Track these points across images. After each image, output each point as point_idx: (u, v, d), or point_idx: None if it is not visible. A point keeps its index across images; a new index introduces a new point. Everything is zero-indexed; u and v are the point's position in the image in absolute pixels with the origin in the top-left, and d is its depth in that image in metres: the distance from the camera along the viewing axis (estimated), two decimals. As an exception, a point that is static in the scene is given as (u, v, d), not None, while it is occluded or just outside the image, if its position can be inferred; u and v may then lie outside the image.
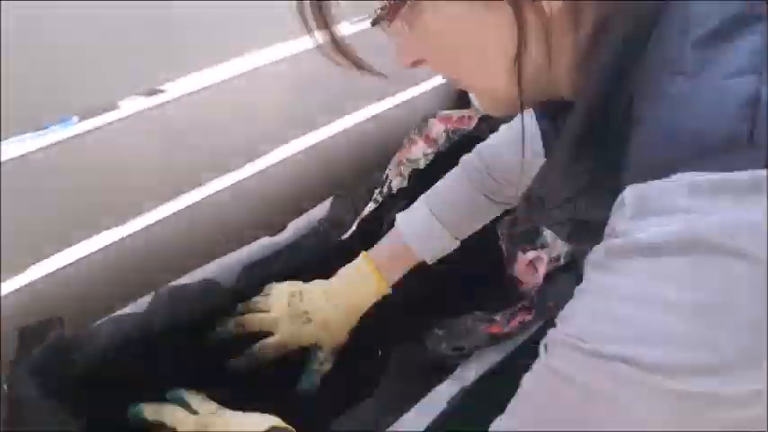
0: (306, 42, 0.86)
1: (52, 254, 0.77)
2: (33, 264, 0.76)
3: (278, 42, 0.82)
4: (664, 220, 0.30)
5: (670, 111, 0.32)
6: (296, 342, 0.74)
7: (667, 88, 0.33)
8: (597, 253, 0.34)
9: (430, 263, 0.76)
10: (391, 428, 0.68)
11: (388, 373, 0.72)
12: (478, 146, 0.78)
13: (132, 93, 0.71)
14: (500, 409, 0.74)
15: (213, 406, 0.64)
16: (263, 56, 0.84)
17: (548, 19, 0.37)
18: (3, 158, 0.65)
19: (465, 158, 0.78)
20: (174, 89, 0.78)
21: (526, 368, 0.44)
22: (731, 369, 0.28)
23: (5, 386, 0.65)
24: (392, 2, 0.43)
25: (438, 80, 1.17)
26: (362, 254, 0.75)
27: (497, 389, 0.79)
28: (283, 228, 0.90)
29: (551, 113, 0.50)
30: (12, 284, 0.75)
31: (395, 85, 1.10)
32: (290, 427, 0.61)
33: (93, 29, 0.62)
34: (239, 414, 0.62)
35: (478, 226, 0.79)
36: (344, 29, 0.92)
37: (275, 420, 0.61)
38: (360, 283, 0.74)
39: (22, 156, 0.67)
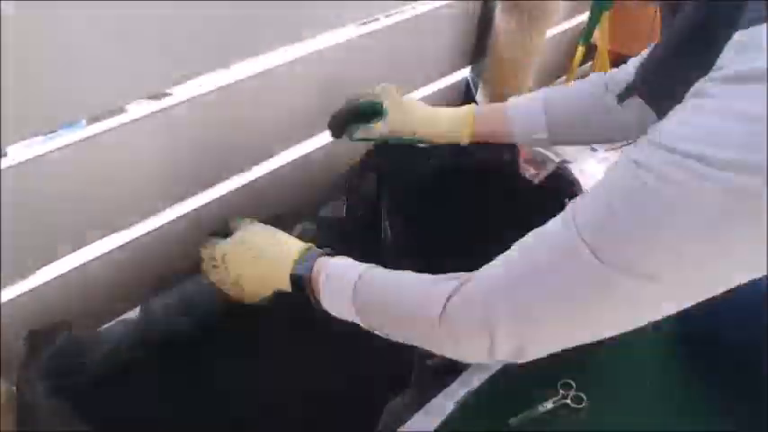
0: (311, 46, 0.86)
1: (62, 256, 0.77)
2: (43, 266, 0.76)
3: (284, 46, 0.82)
4: (756, 55, 0.37)
5: None
6: (371, 97, 0.83)
7: None
8: (698, 83, 0.41)
9: (515, 139, 0.80)
10: (401, 429, 0.68)
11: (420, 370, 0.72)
12: (615, 70, 0.78)
13: (140, 96, 0.71)
14: (506, 410, 0.75)
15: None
16: (269, 59, 0.85)
17: None
18: (12, 161, 0.66)
19: (595, 74, 0.80)
20: (181, 92, 0.78)
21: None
22: None
23: (14, 388, 0.65)
24: None
25: (445, 81, 1.18)
26: (470, 105, 0.82)
27: (504, 391, 0.79)
28: (291, 229, 0.90)
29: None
30: (20, 287, 0.75)
31: (403, 87, 1.10)
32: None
33: (101, 33, 0.62)
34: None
35: (575, 139, 0.82)
36: (350, 32, 0.93)
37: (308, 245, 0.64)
38: (452, 111, 0.81)
39: (32, 158, 0.67)
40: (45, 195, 0.70)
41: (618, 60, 1.45)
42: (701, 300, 0.43)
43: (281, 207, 1.01)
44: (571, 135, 0.81)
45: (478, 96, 1.17)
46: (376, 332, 0.58)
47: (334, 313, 0.60)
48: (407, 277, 0.56)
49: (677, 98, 0.43)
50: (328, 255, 0.63)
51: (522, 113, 0.79)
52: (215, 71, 0.76)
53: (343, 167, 1.09)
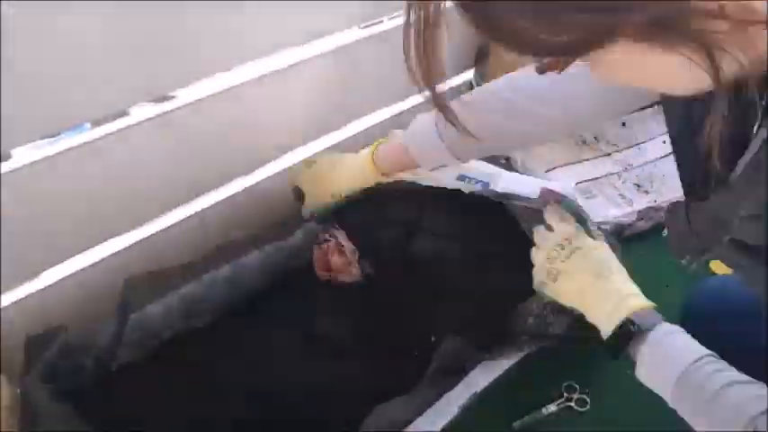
0: (315, 48, 0.87)
1: (66, 258, 0.77)
2: (46, 268, 0.76)
3: (287, 48, 0.82)
4: None
5: None
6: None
7: None
8: None
9: (421, 166, 0.76)
10: (405, 430, 0.68)
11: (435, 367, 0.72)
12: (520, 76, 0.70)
13: (143, 99, 0.71)
14: (510, 412, 0.74)
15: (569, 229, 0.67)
16: (272, 62, 0.85)
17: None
18: (16, 164, 0.66)
19: (507, 78, 0.71)
20: (185, 95, 0.78)
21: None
22: None
23: (18, 391, 0.65)
24: (565, 57, 0.39)
25: (449, 84, 1.17)
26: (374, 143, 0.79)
27: (508, 393, 0.79)
28: (293, 232, 0.90)
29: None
30: (24, 290, 0.76)
31: (404, 90, 1.10)
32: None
33: (104, 37, 0.62)
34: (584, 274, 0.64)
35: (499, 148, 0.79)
36: (354, 34, 0.93)
37: (630, 298, 0.61)
38: (355, 162, 0.80)
39: (36, 162, 0.67)
40: (49, 198, 0.70)
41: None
42: None
43: (284, 210, 1.01)
44: (488, 149, 0.76)
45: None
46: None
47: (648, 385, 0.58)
48: (725, 402, 0.51)
49: None
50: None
51: (420, 146, 0.74)
52: (217, 74, 0.76)
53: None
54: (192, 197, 0.87)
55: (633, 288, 0.62)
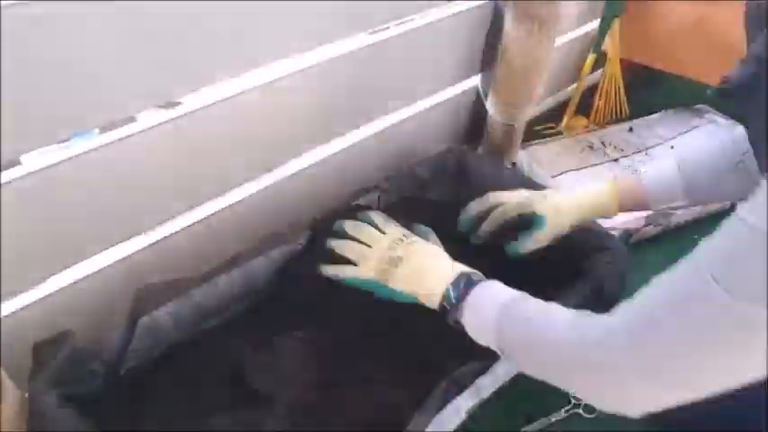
0: (320, 55, 0.87)
1: (74, 264, 0.77)
2: (54, 274, 0.76)
3: (293, 55, 0.82)
4: None
5: None
6: (524, 208, 0.84)
7: None
8: None
9: (652, 209, 0.83)
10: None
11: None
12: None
13: (151, 105, 0.71)
14: (519, 419, 0.75)
15: (400, 230, 0.75)
16: (279, 68, 0.85)
17: None
18: (25, 171, 0.66)
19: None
20: (192, 102, 0.78)
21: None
22: None
23: (25, 396, 0.66)
24: None
25: (455, 90, 1.18)
26: (610, 180, 0.84)
27: (517, 399, 0.78)
28: (299, 237, 0.90)
29: None
30: (31, 296, 0.76)
31: (408, 95, 1.10)
32: (478, 272, 0.68)
33: (112, 43, 0.63)
34: (427, 245, 0.72)
35: (716, 197, 0.82)
36: (360, 40, 0.93)
37: (463, 267, 0.68)
38: (596, 194, 0.83)
39: (45, 168, 0.68)
40: (57, 203, 0.71)
41: (629, 68, 1.45)
42: None
43: (291, 216, 1.02)
44: (710, 196, 0.80)
45: (488, 104, 1.17)
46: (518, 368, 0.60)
47: (478, 341, 0.64)
48: (553, 316, 0.58)
49: None
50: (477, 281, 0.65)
51: (658, 185, 0.80)
52: (225, 80, 0.76)
53: (352, 176, 1.09)
54: (199, 203, 0.88)
55: (460, 266, 0.69)
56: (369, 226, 0.77)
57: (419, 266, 0.70)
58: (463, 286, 0.65)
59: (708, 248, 0.46)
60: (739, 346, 0.43)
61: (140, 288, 0.75)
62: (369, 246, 0.74)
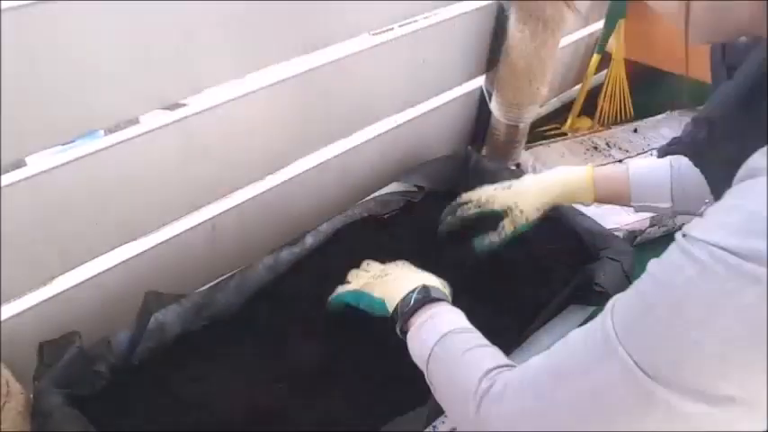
0: (325, 57, 0.87)
1: (79, 264, 0.78)
2: (59, 275, 0.77)
3: (298, 55, 0.82)
4: None
5: None
6: (492, 203, 0.84)
7: None
8: (755, 156, 0.36)
9: (631, 206, 0.78)
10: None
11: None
12: None
13: (156, 107, 0.72)
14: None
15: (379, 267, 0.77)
16: (283, 70, 0.85)
17: None
18: (31, 172, 0.67)
19: None
20: (196, 103, 0.79)
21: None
22: None
23: (31, 396, 0.66)
24: None
25: (460, 90, 1.18)
26: (589, 165, 0.82)
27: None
28: (302, 238, 0.91)
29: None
30: (36, 296, 0.76)
31: (412, 96, 1.10)
32: (441, 283, 0.69)
33: (117, 45, 0.63)
34: (403, 270, 0.73)
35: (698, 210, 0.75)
36: (364, 41, 0.93)
37: (430, 279, 0.69)
38: (568, 176, 0.81)
39: (50, 169, 0.68)
40: (63, 204, 0.71)
41: (633, 69, 1.44)
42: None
43: (295, 218, 1.02)
44: (695, 207, 0.74)
45: (492, 105, 1.17)
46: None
47: (414, 360, 0.62)
48: (466, 361, 0.54)
49: (731, 171, 0.37)
50: (436, 300, 0.64)
51: (645, 180, 0.76)
52: (229, 82, 0.76)
53: (356, 178, 1.09)
54: (204, 203, 0.88)
55: (429, 279, 0.69)
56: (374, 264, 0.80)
57: (395, 277, 0.71)
58: (420, 296, 0.64)
59: (618, 302, 0.41)
60: (630, 417, 0.38)
61: (150, 292, 0.76)
62: (367, 271, 0.78)
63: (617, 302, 0.42)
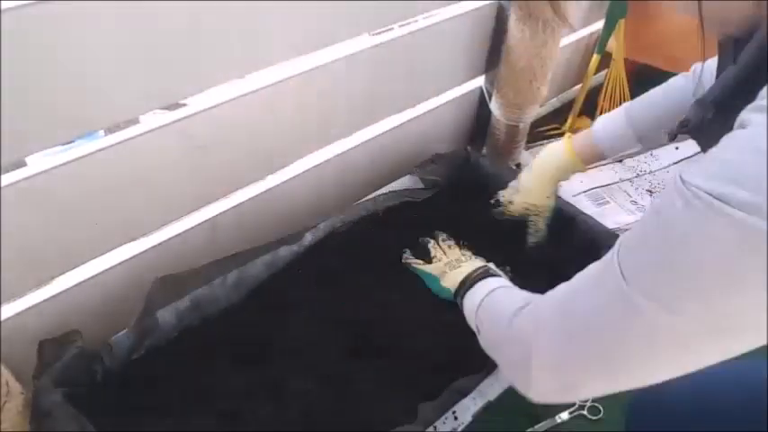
0: (325, 57, 0.87)
1: (79, 264, 0.78)
2: (60, 274, 0.77)
3: (298, 56, 0.82)
4: None
5: None
6: (513, 211, 0.95)
7: None
8: (742, 113, 0.40)
9: (607, 156, 0.88)
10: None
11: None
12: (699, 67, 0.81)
13: (156, 107, 0.72)
14: (523, 421, 0.75)
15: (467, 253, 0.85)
16: (284, 70, 0.85)
17: None
18: (31, 172, 0.67)
19: (680, 76, 0.84)
20: (196, 103, 0.79)
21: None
22: None
23: (30, 395, 0.66)
24: None
25: (460, 90, 1.18)
26: (567, 134, 0.92)
27: (521, 401, 0.78)
28: (301, 236, 0.91)
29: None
30: (37, 296, 0.76)
31: (412, 96, 1.10)
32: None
33: (117, 45, 0.63)
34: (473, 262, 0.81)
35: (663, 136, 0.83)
36: (364, 41, 0.93)
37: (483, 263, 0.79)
38: (553, 155, 0.90)
39: (50, 169, 0.68)
40: (63, 205, 0.71)
41: (633, 69, 1.44)
42: (726, 347, 0.43)
43: (296, 217, 1.02)
44: (660, 137, 0.84)
45: (492, 105, 1.17)
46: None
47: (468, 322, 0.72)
48: (504, 299, 0.66)
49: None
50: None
51: (609, 135, 0.86)
52: (229, 82, 0.76)
53: (356, 178, 1.09)
54: (204, 204, 0.88)
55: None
56: (454, 244, 0.89)
57: (465, 269, 0.79)
58: (479, 272, 0.75)
59: (624, 235, 0.48)
60: (623, 334, 0.45)
61: (156, 280, 0.76)
62: (447, 255, 0.87)
63: (625, 233, 0.48)
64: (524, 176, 0.94)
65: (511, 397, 0.75)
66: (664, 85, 0.85)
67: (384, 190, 1.04)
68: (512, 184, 0.97)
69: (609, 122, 0.86)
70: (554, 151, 0.91)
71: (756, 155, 0.37)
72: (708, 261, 0.39)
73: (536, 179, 0.92)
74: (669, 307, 0.42)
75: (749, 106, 0.40)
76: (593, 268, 0.51)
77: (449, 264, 0.84)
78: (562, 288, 0.54)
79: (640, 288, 0.43)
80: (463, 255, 0.85)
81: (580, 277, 0.52)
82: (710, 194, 0.38)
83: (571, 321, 0.50)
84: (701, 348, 0.43)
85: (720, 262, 0.39)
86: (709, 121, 0.52)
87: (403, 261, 0.89)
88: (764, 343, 0.41)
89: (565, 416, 0.85)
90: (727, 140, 0.40)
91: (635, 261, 0.45)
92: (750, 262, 0.37)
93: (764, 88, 0.40)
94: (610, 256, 0.47)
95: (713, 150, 0.41)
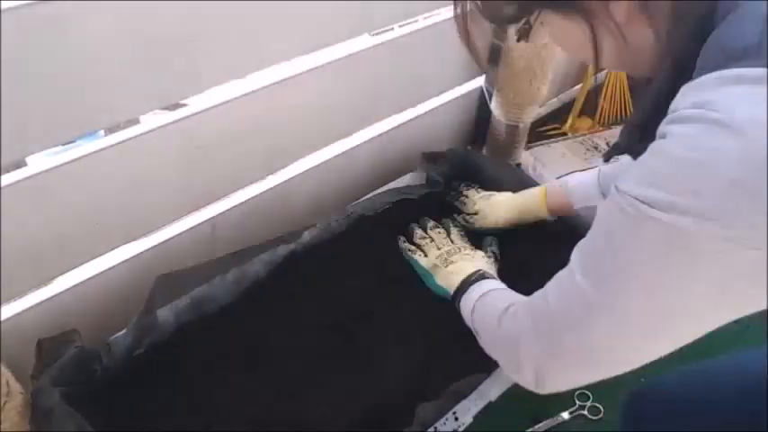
0: (325, 57, 0.87)
1: (79, 264, 0.78)
2: (60, 274, 0.77)
3: (298, 56, 0.82)
4: (698, 98, 0.41)
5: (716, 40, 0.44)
6: (469, 207, 1.00)
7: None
8: (660, 127, 0.44)
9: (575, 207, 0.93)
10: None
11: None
12: None
13: (156, 107, 0.72)
14: (523, 421, 0.76)
15: (464, 244, 0.88)
16: (284, 70, 0.85)
17: (619, 23, 0.49)
18: (31, 172, 0.67)
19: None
20: (196, 103, 0.79)
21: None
22: (705, 214, 0.39)
23: (29, 395, 0.66)
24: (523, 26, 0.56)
25: (460, 90, 1.18)
26: (542, 186, 0.97)
27: (521, 401, 0.78)
28: (300, 235, 0.90)
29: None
30: (37, 296, 0.76)
31: (412, 96, 1.10)
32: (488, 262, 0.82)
33: (118, 45, 0.63)
34: (475, 256, 0.85)
35: None
36: (364, 41, 0.93)
37: (481, 262, 0.82)
38: (527, 196, 0.96)
39: (50, 169, 0.68)
40: (63, 204, 0.71)
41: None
42: (669, 341, 0.48)
43: (296, 217, 1.02)
44: None
45: (492, 105, 1.17)
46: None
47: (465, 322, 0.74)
48: (495, 300, 0.69)
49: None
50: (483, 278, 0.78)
51: (580, 188, 0.91)
52: (229, 82, 0.76)
53: (356, 178, 1.09)
54: (204, 204, 0.88)
55: (480, 261, 0.83)
56: (444, 231, 0.92)
57: (458, 269, 0.81)
58: (473, 279, 0.77)
59: (581, 241, 0.52)
60: (585, 330, 0.50)
61: (159, 276, 0.76)
62: (437, 246, 0.89)
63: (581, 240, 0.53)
64: (503, 196, 0.98)
65: (511, 398, 0.75)
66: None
67: (384, 189, 1.04)
68: (480, 196, 1.00)
69: (582, 187, 0.91)
70: (531, 195, 0.95)
71: (670, 159, 0.41)
72: (644, 260, 0.44)
73: (508, 203, 0.97)
74: (614, 305, 0.47)
75: (665, 119, 0.44)
76: (559, 272, 0.55)
77: (439, 257, 0.86)
78: (538, 291, 0.58)
79: (593, 288, 0.48)
80: (453, 243, 0.88)
81: (550, 281, 0.56)
82: (637, 199, 0.43)
83: (540, 322, 0.55)
84: (653, 337, 0.48)
85: (654, 260, 0.43)
86: (636, 142, 0.56)
87: (400, 247, 0.92)
88: (708, 329, 0.46)
89: (565, 416, 0.85)
90: (650, 149, 0.45)
91: (585, 266, 0.50)
92: (676, 256, 0.42)
93: (673, 102, 0.44)
94: (571, 263, 0.52)
95: (641, 158, 0.46)
